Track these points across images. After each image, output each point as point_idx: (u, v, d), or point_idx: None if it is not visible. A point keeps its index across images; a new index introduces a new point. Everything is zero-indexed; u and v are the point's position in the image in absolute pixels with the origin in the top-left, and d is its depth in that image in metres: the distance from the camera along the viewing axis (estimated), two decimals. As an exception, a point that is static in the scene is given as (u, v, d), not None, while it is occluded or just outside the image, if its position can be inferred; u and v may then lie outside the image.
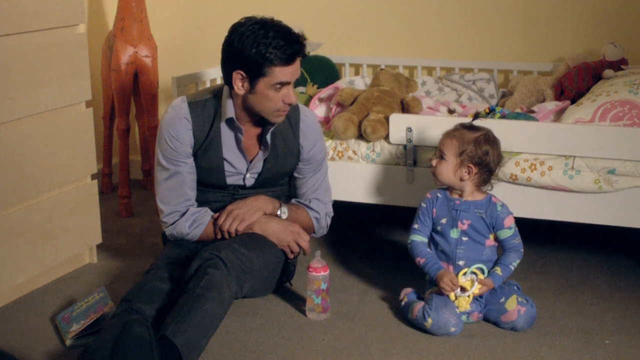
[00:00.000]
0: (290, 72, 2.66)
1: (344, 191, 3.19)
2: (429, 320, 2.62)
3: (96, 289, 2.86)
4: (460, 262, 2.71)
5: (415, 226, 2.80)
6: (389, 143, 3.15)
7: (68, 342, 2.59)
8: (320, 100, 3.51)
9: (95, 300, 2.73)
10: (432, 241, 2.80)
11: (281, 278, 2.92)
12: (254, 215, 2.81)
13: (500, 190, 3.02)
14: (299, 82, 3.83)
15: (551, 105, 3.33)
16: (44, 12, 2.91)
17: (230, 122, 2.78)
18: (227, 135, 2.79)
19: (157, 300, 2.52)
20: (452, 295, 2.65)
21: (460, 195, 2.75)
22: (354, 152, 3.19)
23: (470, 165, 2.69)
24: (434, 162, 2.76)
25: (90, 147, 3.20)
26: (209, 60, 4.25)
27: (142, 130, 4.16)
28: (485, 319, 2.73)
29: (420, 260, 2.75)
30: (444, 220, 2.75)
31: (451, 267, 2.72)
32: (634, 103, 2.97)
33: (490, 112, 3.24)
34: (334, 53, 4.10)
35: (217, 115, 2.78)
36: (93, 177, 3.26)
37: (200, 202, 2.87)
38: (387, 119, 3.14)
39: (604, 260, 3.27)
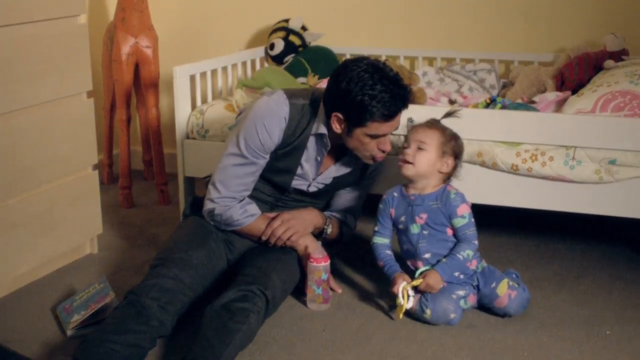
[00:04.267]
0: (389, 126, 2.65)
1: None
2: (428, 312, 2.63)
3: (97, 280, 2.86)
4: (427, 256, 2.71)
5: (376, 228, 2.83)
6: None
7: (69, 333, 2.60)
8: (321, 91, 3.51)
9: (96, 291, 2.73)
10: (398, 240, 2.81)
11: None
12: (307, 229, 2.86)
13: (501, 181, 3.03)
14: (300, 73, 3.82)
15: (552, 95, 3.32)
16: (44, 2, 2.90)
17: (320, 137, 2.76)
18: (310, 145, 2.78)
19: (164, 300, 2.48)
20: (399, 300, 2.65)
21: (417, 190, 2.74)
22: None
23: (451, 157, 2.72)
24: (409, 152, 2.71)
25: (91, 137, 3.20)
26: (210, 50, 4.25)
27: (143, 121, 4.15)
28: (480, 305, 2.73)
29: (380, 263, 2.80)
30: (403, 218, 2.76)
31: (420, 263, 2.72)
32: (635, 93, 2.96)
33: (491, 103, 3.24)
34: (335, 44, 4.09)
35: (310, 124, 2.75)
36: (94, 167, 3.26)
37: None
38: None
39: (605, 251, 3.27)
